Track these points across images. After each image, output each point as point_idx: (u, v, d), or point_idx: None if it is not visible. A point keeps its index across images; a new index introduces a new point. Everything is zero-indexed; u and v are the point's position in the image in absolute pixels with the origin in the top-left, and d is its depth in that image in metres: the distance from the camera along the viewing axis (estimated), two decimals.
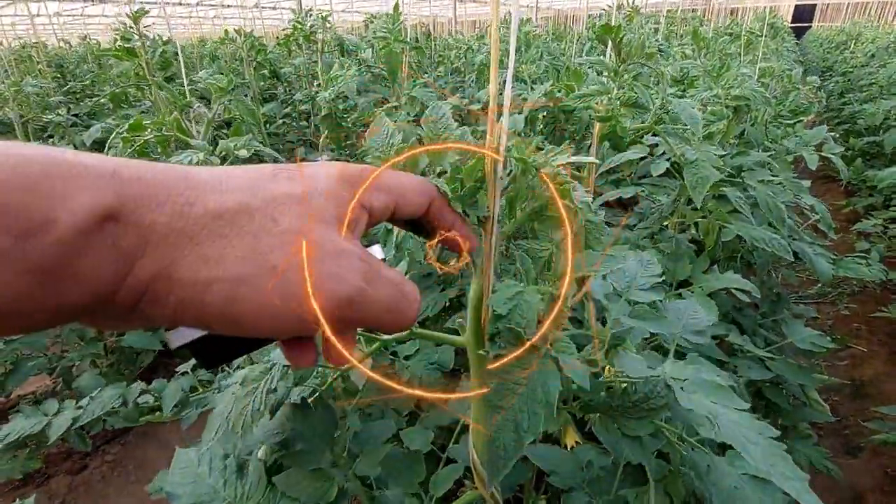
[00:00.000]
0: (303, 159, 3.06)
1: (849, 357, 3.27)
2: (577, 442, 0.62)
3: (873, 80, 4.88)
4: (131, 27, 1.68)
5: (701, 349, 0.72)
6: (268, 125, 3.26)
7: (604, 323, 0.64)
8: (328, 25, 2.76)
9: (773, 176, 1.69)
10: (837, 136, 5.66)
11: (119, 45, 2.19)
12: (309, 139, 3.50)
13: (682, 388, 0.49)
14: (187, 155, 0.89)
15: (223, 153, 0.98)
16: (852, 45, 8.30)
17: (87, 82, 2.34)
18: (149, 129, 0.97)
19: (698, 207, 1.07)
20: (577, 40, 2.43)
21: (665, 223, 1.20)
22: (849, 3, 22.47)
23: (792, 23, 27.39)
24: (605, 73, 0.94)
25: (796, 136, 1.66)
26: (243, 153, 0.98)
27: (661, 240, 1.18)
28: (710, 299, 1.01)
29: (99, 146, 2.21)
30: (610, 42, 0.95)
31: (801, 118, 1.74)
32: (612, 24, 0.93)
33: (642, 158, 1.17)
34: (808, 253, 1.76)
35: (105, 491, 2.32)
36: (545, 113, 1.13)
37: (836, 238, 4.54)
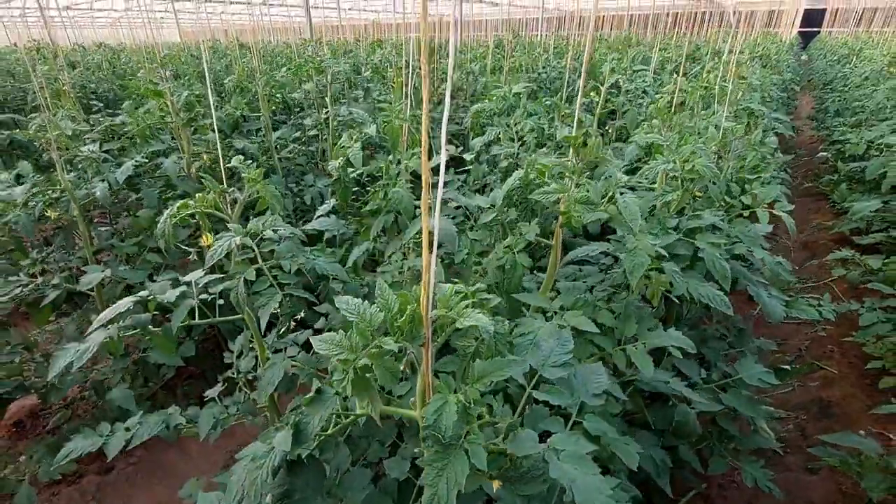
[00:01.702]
0: (310, 185, 3.29)
1: (820, 378, 3.45)
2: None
3: (864, 105, 5.03)
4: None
5: (599, 409, 0.93)
6: (279, 150, 3.49)
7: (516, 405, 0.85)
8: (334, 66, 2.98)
9: (730, 229, 1.91)
10: (830, 155, 5.82)
11: (148, 87, 2.43)
12: (317, 162, 3.72)
13: (558, 458, 0.69)
14: (226, 239, 1.12)
15: (252, 231, 1.21)
16: (854, 60, 8.41)
17: (117, 123, 2.56)
18: (192, 208, 1.19)
19: (633, 290, 1.29)
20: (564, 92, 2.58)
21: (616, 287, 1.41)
22: (857, 9, 22.35)
23: (801, 27, 27.26)
24: (567, 175, 1.16)
25: (752, 193, 1.86)
26: (269, 233, 1.21)
27: (615, 301, 1.39)
28: (646, 355, 1.23)
29: (131, 183, 2.45)
30: (572, 148, 1.16)
31: (760, 175, 1.95)
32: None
33: (603, 252, 1.39)
34: (762, 296, 1.97)
35: (130, 491, 2.58)
36: (519, 191, 1.35)
37: (817, 263, 4.72)
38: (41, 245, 2.55)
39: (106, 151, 2.50)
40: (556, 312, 1.26)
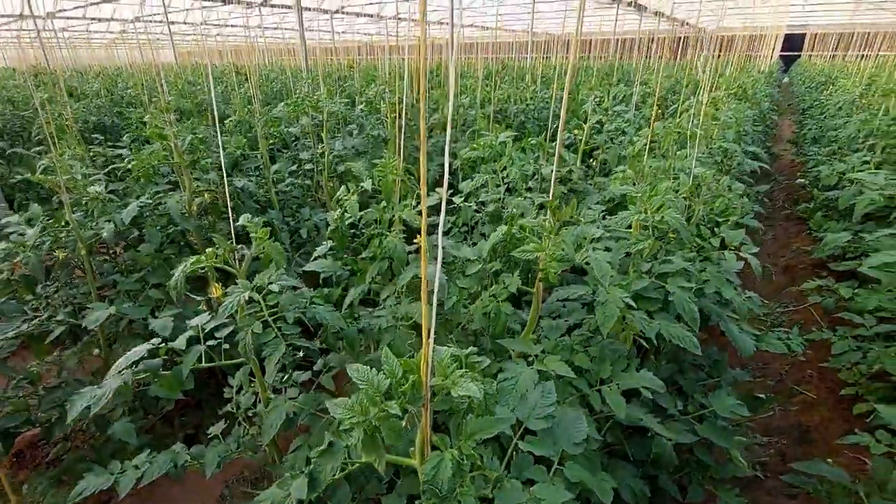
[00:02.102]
0: (307, 219, 3.42)
1: (800, 402, 3.57)
2: None
3: (838, 135, 5.28)
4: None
5: (579, 455, 1.04)
6: (276, 184, 3.61)
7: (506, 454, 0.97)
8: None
9: (702, 269, 2.04)
10: (807, 182, 6.06)
11: (154, 130, 2.55)
12: (313, 195, 3.85)
13: None
14: (237, 294, 1.23)
15: (259, 285, 1.32)
16: (830, 88, 8.76)
17: (119, 156, 2.67)
18: (204, 263, 1.31)
19: (605, 337, 1.41)
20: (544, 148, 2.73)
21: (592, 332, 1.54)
22: (835, 34, 23.21)
23: (782, 51, 28.18)
24: (544, 234, 1.29)
25: (721, 236, 2.01)
26: (275, 287, 1.32)
27: (592, 343, 1.51)
28: (619, 396, 1.35)
29: (134, 221, 2.56)
30: (549, 211, 1.30)
31: (728, 219, 2.10)
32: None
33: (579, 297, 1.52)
34: (733, 332, 2.11)
35: None
36: (502, 244, 1.48)
37: (794, 288, 4.88)
38: (45, 281, 2.63)
39: (111, 192, 2.61)
40: (536, 356, 1.37)
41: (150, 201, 2.48)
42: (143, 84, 6.51)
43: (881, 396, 2.88)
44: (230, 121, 3.29)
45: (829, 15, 22.56)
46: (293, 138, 4.23)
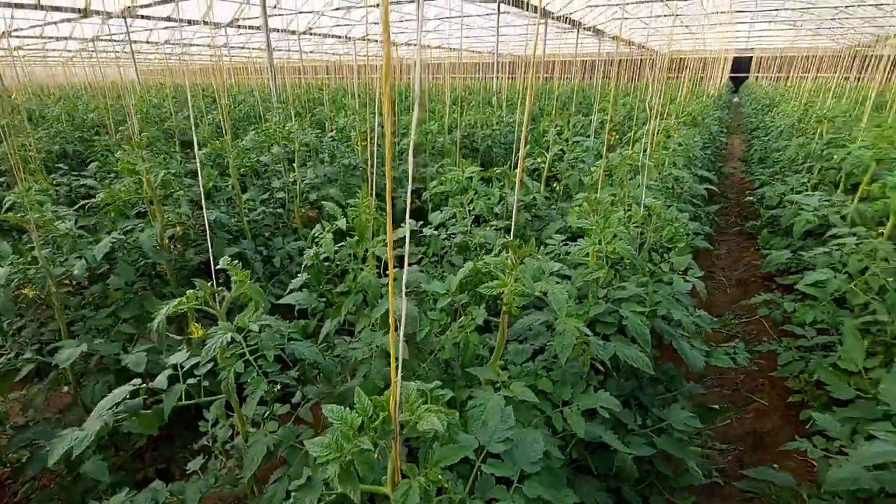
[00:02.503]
0: (280, 248, 3.46)
1: (754, 410, 3.79)
2: None
3: (780, 157, 5.69)
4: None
5: (538, 471, 1.15)
6: (248, 213, 3.65)
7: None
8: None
9: (655, 290, 2.22)
10: (755, 200, 6.47)
11: (126, 166, 2.58)
12: (285, 223, 3.90)
13: None
14: (219, 337, 1.30)
15: (240, 325, 1.39)
16: (773, 111, 9.39)
17: (95, 200, 2.67)
18: (185, 305, 1.37)
19: (562, 364, 1.55)
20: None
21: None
22: (778, 57, 24.82)
23: (732, 73, 29.94)
24: (506, 271, 1.41)
25: (670, 261, 2.20)
26: (255, 327, 1.40)
27: (553, 369, 1.64)
28: (580, 416, 1.47)
29: (107, 258, 2.56)
30: (511, 249, 1.43)
31: (677, 245, 2.29)
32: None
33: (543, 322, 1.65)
34: (685, 349, 2.28)
35: None
36: (469, 278, 1.60)
37: (745, 302, 5.18)
38: (13, 317, 2.59)
39: (81, 227, 2.61)
40: (503, 383, 1.49)
41: (122, 236, 2.50)
42: (107, 108, 6.41)
43: (822, 403, 3.11)
44: (202, 153, 3.33)
45: (772, 40, 24.20)
46: (264, 166, 4.28)
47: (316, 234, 1.81)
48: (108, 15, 13.85)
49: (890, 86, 8.63)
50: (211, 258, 1.54)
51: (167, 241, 2.77)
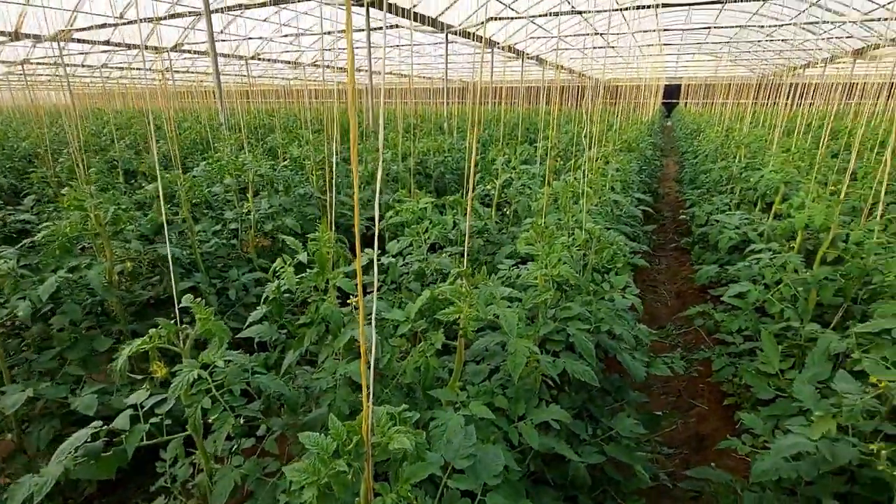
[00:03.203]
0: (235, 280, 3.44)
1: (696, 414, 4.06)
2: None
3: (706, 179, 6.22)
4: None
5: (499, 483, 1.26)
6: (200, 244, 3.61)
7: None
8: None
9: (598, 308, 2.41)
10: (688, 218, 7.01)
11: (73, 202, 2.53)
12: (239, 254, 3.87)
13: None
14: (185, 374, 1.32)
15: (205, 362, 1.42)
16: (700, 136, 10.22)
17: (38, 237, 2.56)
18: (148, 344, 1.39)
19: (515, 383, 1.68)
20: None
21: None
22: (703, 85, 26.97)
23: (664, 98, 32.25)
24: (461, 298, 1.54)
25: (609, 281, 2.40)
26: (220, 363, 1.43)
27: (508, 387, 1.77)
28: (533, 429, 1.60)
29: (53, 297, 2.47)
30: (464, 278, 1.56)
31: (616, 265, 2.50)
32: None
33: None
34: (627, 361, 2.48)
35: None
36: (427, 305, 1.71)
37: (682, 314, 5.54)
38: None
39: (24, 265, 2.52)
40: (462, 403, 1.59)
41: (69, 274, 2.43)
42: (42, 136, 6.10)
43: (752, 403, 3.41)
44: (152, 187, 3.28)
45: (697, 69, 26.39)
46: (214, 195, 4.24)
47: (277, 268, 1.87)
48: (38, 38, 13.20)
49: (799, 111, 9.65)
50: (173, 292, 1.56)
51: (116, 277, 2.71)
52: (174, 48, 16.52)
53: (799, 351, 2.86)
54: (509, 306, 1.64)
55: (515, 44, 17.02)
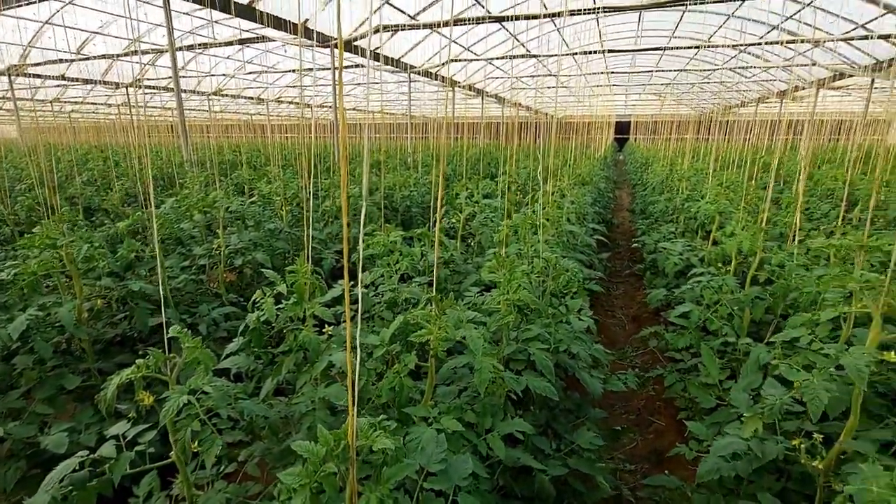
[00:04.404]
0: (205, 315, 3.47)
1: (654, 431, 4.28)
2: None
3: (654, 210, 6.71)
4: None
5: (469, 487, 1.40)
6: (170, 280, 3.63)
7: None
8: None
9: (557, 329, 2.62)
10: (640, 246, 7.48)
11: (45, 241, 2.56)
12: (208, 289, 3.90)
13: None
14: (175, 399, 1.41)
15: (193, 388, 1.51)
16: (648, 170, 10.95)
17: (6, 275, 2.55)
18: (135, 373, 1.47)
19: (482, 398, 1.85)
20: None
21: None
22: (650, 122, 28.83)
23: (616, 134, 34.19)
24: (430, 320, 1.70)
25: (566, 304, 2.63)
26: (208, 388, 1.52)
27: (476, 403, 1.92)
28: (500, 441, 1.75)
29: (24, 336, 2.47)
30: (434, 302, 1.73)
31: (571, 290, 2.73)
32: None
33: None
34: (585, 378, 2.68)
35: None
36: (400, 330, 1.86)
37: (637, 336, 5.86)
38: None
39: None
40: (434, 418, 1.74)
41: (39, 313, 2.43)
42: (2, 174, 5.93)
43: (700, 413, 3.68)
44: (124, 224, 3.31)
45: (644, 107, 28.27)
46: (181, 230, 4.27)
47: (257, 298, 1.99)
48: None
49: (732, 146, 10.57)
50: (164, 326, 1.66)
51: (85, 314, 2.72)
52: (132, 83, 16.36)
53: (737, 363, 3.15)
54: (475, 328, 1.82)
55: (475, 83, 17.83)
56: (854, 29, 11.46)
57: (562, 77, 17.63)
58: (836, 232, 3.73)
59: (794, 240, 3.73)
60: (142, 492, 2.09)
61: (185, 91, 18.77)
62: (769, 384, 2.31)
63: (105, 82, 16.81)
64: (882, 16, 10.23)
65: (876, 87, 14.19)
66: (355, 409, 1.08)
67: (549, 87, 18.38)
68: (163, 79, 16.88)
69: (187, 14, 11.80)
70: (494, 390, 1.88)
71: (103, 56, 13.82)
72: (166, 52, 12.32)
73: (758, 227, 3.30)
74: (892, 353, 1.74)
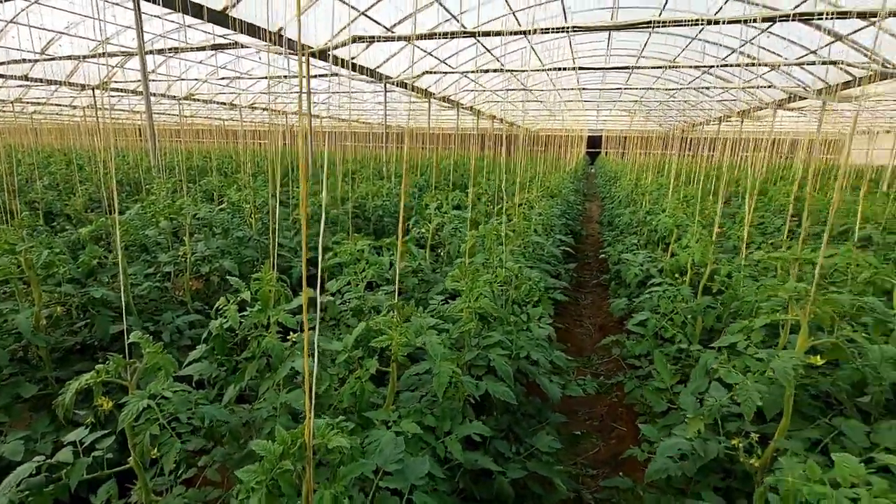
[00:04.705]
0: (169, 323, 3.44)
1: (616, 437, 4.42)
2: None
3: (620, 222, 6.95)
4: None
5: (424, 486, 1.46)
6: (133, 287, 3.58)
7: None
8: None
9: (517, 338, 2.72)
10: (606, 256, 7.72)
11: (4, 245, 2.51)
12: (173, 297, 3.85)
13: None
14: (134, 403, 1.43)
15: (153, 393, 1.53)
16: (617, 184, 11.31)
17: None
18: (95, 379, 1.48)
19: (441, 402, 1.92)
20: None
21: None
22: (619, 137, 29.74)
23: (588, 148, 35.05)
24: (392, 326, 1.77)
25: (527, 312, 2.73)
26: (168, 393, 1.54)
27: (435, 407, 1.99)
28: (458, 443, 1.82)
29: None
30: (396, 310, 1.80)
31: (532, 298, 2.84)
32: None
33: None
34: (545, 383, 2.79)
35: None
36: (363, 336, 1.92)
37: (599, 344, 6.03)
38: None
39: None
40: (395, 422, 1.79)
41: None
42: None
43: (654, 417, 3.83)
44: (87, 230, 3.25)
45: (614, 123, 29.16)
46: (146, 237, 4.21)
47: (220, 306, 2.01)
48: None
49: (695, 162, 11.04)
50: (125, 334, 1.67)
51: (44, 321, 2.67)
52: (99, 86, 15.93)
53: (689, 368, 3.31)
54: (437, 335, 1.89)
55: (450, 95, 18.07)
56: (806, 55, 12.19)
57: (535, 91, 18.05)
58: (784, 245, 3.98)
59: (744, 252, 3.96)
60: (99, 500, 2.07)
61: (154, 94, 18.38)
62: (714, 387, 2.45)
63: (70, 84, 16.33)
64: (831, 43, 10.92)
65: (827, 110, 15.06)
66: (312, 409, 1.14)
67: (520, 101, 18.77)
68: (131, 81, 16.51)
69: (158, 17, 11.63)
70: (453, 394, 1.95)
71: (69, 57, 13.45)
72: (136, 55, 12.08)
73: (709, 239, 3.49)
74: (818, 357, 1.89)
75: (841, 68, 11.46)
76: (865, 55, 10.44)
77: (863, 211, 5.28)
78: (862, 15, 6.84)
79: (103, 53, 13.56)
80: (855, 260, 2.84)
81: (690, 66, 12.59)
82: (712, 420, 2.11)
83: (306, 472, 1.18)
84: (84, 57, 13.55)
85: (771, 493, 1.43)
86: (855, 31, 9.95)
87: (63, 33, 13.06)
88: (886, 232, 4.80)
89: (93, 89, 16.27)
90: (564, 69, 12.36)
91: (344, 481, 1.19)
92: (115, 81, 16.85)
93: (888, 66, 10.15)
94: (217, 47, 11.28)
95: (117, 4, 10.26)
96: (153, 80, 16.86)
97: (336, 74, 13.55)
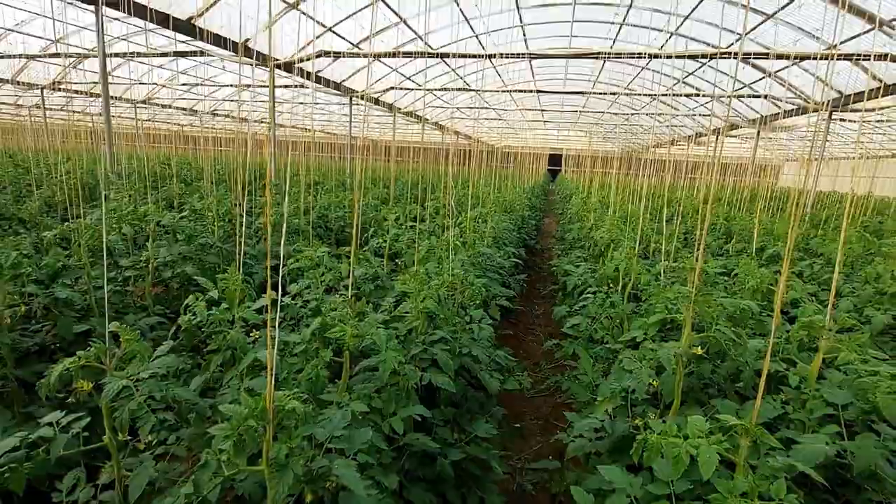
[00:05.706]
0: (132, 325, 3.58)
1: (558, 432, 4.77)
2: None
3: (569, 237, 7.45)
4: None
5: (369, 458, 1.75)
6: (96, 291, 3.69)
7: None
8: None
9: (461, 336, 3.05)
10: (557, 267, 8.22)
11: None
12: (135, 302, 3.98)
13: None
14: (115, 383, 1.64)
15: (131, 374, 1.75)
16: (570, 201, 11.94)
17: None
18: (76, 363, 1.69)
19: (387, 387, 2.22)
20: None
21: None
22: (578, 156, 30.99)
23: (550, 165, 36.27)
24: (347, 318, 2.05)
25: (471, 314, 3.07)
26: (144, 374, 1.76)
27: (382, 391, 2.28)
28: (400, 421, 2.11)
29: None
30: (349, 306, 2.09)
31: (475, 301, 3.18)
32: None
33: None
34: (485, 377, 3.12)
35: None
36: (319, 329, 2.19)
37: (544, 348, 6.43)
38: None
39: None
40: (346, 403, 2.07)
41: None
42: None
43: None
44: (52, 234, 3.34)
45: (574, 142, 30.42)
46: (111, 243, 4.31)
47: (190, 303, 2.25)
48: None
49: (639, 182, 11.87)
50: (107, 327, 1.89)
51: (8, 321, 2.78)
52: (51, 86, 15.42)
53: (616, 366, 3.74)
54: (385, 330, 2.19)
55: (417, 110, 18.51)
56: (742, 88, 13.35)
57: (498, 110, 18.74)
58: (700, 258, 4.51)
59: (663, 263, 4.48)
60: (67, 484, 2.23)
61: (113, 98, 17.91)
62: (627, 377, 2.86)
63: (18, 82, 15.74)
64: (762, 78, 12.04)
65: (762, 137, 16.42)
66: (273, 378, 1.42)
67: (484, 119, 19.46)
68: (86, 83, 16.06)
69: (118, 20, 11.51)
70: (398, 381, 2.25)
71: (21, 56, 13.04)
72: (95, 56, 11.86)
73: (632, 252, 3.96)
74: (699, 348, 2.31)
75: (772, 101, 12.64)
76: (791, 90, 11.58)
77: (777, 231, 5.98)
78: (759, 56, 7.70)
79: (57, 54, 13.22)
80: (750, 271, 3.34)
81: (641, 94, 13.55)
82: (620, 402, 2.49)
83: (267, 432, 1.45)
84: (35, 56, 13.16)
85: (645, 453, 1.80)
86: (780, 70, 11.05)
87: (11, 30, 12.68)
88: (794, 250, 5.46)
89: (42, 89, 15.74)
90: (524, 92, 13.02)
91: (297, 439, 1.47)
92: (68, 82, 16.35)
93: (808, 100, 11.31)
94: (180, 54, 11.26)
95: (73, 4, 10.12)
96: (111, 83, 16.46)
97: (302, 86, 13.72)
